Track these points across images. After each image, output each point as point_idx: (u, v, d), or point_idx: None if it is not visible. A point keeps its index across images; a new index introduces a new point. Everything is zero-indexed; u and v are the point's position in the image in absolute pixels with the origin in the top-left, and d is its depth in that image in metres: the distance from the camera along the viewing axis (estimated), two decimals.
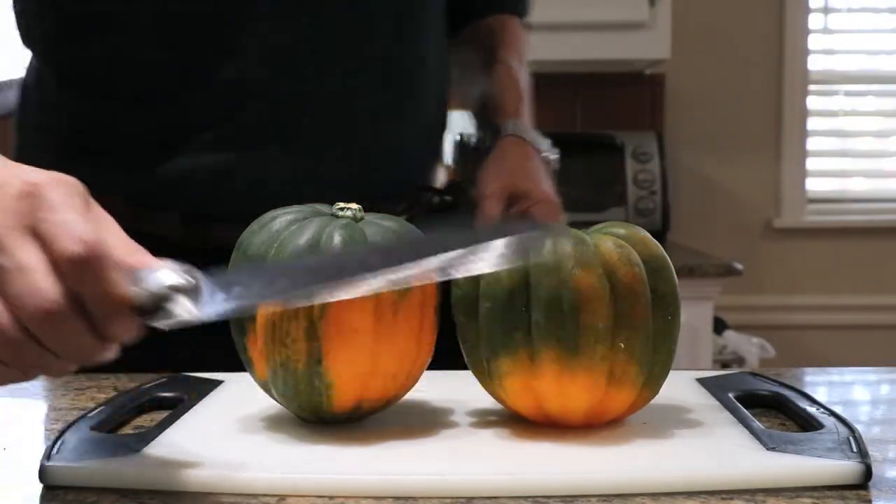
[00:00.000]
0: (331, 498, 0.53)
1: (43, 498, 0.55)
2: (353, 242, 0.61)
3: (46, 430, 0.62)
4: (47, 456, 0.57)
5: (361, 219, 0.64)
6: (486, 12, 1.22)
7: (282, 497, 0.54)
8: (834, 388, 0.88)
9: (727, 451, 0.59)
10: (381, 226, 0.64)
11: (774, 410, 0.69)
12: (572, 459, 0.58)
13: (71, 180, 0.52)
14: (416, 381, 0.66)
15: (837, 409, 0.64)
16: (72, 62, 0.97)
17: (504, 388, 0.63)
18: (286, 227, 0.63)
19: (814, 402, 0.67)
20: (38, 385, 0.84)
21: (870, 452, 0.56)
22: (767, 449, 0.58)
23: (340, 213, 0.64)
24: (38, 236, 0.50)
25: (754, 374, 0.76)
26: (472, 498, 0.53)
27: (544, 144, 1.10)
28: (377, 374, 0.62)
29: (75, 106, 0.98)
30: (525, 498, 0.53)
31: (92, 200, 0.53)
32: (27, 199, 0.50)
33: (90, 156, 0.96)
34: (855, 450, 0.57)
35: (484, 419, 0.67)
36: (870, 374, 0.91)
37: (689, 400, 0.71)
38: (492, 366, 0.63)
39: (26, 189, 0.50)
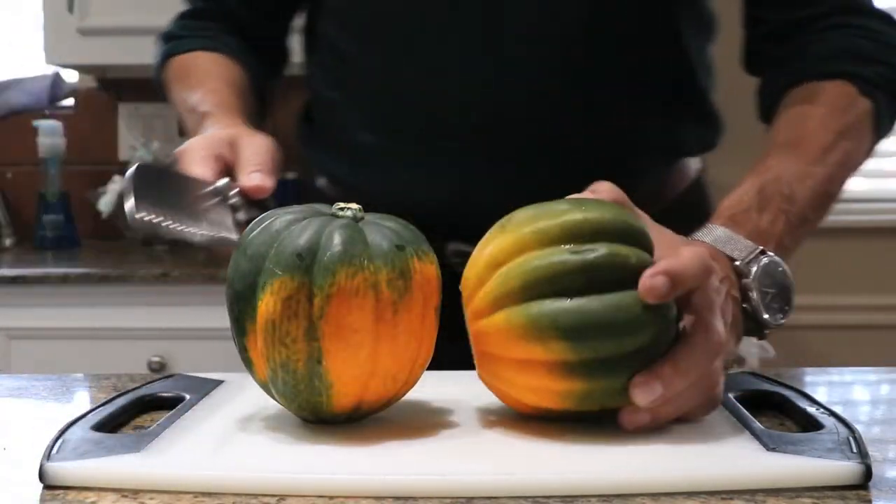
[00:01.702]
0: (331, 498, 0.53)
1: (43, 498, 0.55)
2: (354, 242, 0.61)
3: (46, 430, 0.62)
4: (47, 456, 0.57)
5: (361, 219, 0.64)
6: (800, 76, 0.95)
7: (282, 497, 0.54)
8: (834, 388, 0.88)
9: (727, 451, 0.59)
10: (382, 226, 0.64)
11: (774, 410, 0.69)
12: (572, 459, 0.58)
13: None
14: (416, 381, 0.66)
15: (837, 409, 0.64)
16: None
17: None
18: (286, 226, 0.63)
19: (814, 402, 0.67)
20: (38, 385, 0.84)
21: (870, 452, 0.57)
22: (768, 449, 0.58)
23: (340, 213, 0.64)
24: None
25: (754, 374, 0.76)
26: (472, 498, 0.53)
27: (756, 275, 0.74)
28: (377, 374, 0.62)
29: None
30: (525, 498, 0.53)
31: None
32: None
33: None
34: (855, 450, 0.57)
35: (484, 419, 0.67)
36: (870, 374, 0.91)
37: None
38: None
39: None
